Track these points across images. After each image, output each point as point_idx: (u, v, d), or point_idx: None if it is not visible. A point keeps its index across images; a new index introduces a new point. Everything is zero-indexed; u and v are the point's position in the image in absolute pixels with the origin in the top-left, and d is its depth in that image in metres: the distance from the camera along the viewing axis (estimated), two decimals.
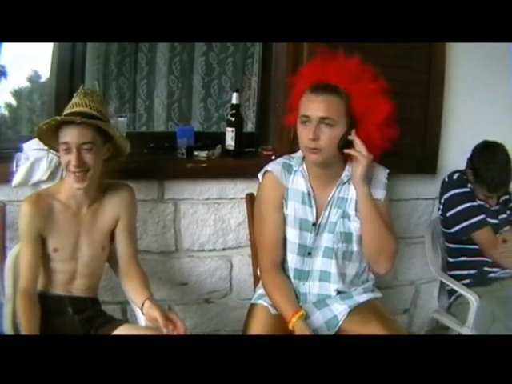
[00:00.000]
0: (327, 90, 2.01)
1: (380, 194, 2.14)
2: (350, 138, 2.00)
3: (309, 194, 2.13)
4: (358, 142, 2.00)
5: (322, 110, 1.98)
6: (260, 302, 2.20)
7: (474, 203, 2.74)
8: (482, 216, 2.72)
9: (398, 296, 3.15)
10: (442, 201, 2.85)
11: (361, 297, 2.22)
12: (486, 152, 2.73)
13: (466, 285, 2.72)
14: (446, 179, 2.86)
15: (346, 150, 2.02)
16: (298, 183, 2.15)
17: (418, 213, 3.04)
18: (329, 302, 2.18)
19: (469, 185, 2.77)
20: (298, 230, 2.14)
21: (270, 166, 2.19)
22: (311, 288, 2.19)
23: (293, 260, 2.17)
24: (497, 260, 2.72)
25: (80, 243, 2.09)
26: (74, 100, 2.00)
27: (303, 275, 2.19)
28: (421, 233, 2.98)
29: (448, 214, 2.80)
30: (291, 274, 2.19)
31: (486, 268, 2.74)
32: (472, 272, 2.76)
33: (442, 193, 2.86)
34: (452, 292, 2.82)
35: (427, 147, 2.95)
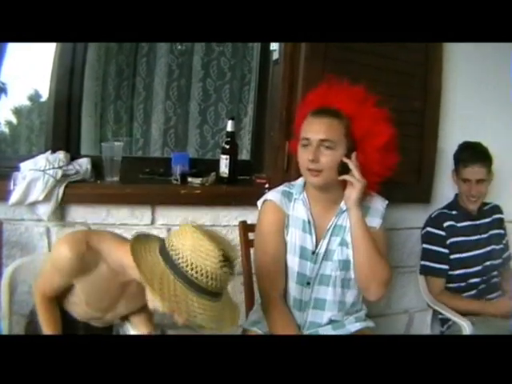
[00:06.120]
0: (327, 113, 2.02)
1: (376, 222, 2.14)
2: (344, 160, 2.00)
3: (309, 222, 2.13)
4: (352, 165, 1.99)
5: (322, 132, 1.99)
6: (254, 329, 2.20)
7: (439, 248, 2.77)
8: (439, 265, 2.77)
9: (391, 324, 3.13)
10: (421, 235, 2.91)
11: (353, 326, 2.21)
12: (465, 144, 2.83)
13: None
14: (428, 216, 2.89)
15: (340, 177, 2.02)
16: (299, 211, 2.15)
17: (411, 242, 3.04)
18: (321, 332, 2.17)
19: (446, 223, 2.78)
20: (297, 258, 2.13)
21: (269, 195, 2.19)
22: (306, 317, 2.18)
23: (292, 289, 2.16)
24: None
25: (116, 304, 1.91)
26: (221, 275, 1.56)
27: (302, 305, 2.17)
28: (414, 262, 2.98)
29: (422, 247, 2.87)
30: (291, 303, 2.17)
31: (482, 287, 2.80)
32: (472, 293, 2.79)
33: (421, 229, 2.90)
34: (445, 320, 2.81)
35: (422, 176, 2.97)
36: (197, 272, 1.54)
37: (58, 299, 1.90)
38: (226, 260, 1.56)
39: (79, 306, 1.90)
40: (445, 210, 2.85)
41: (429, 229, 2.83)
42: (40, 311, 1.87)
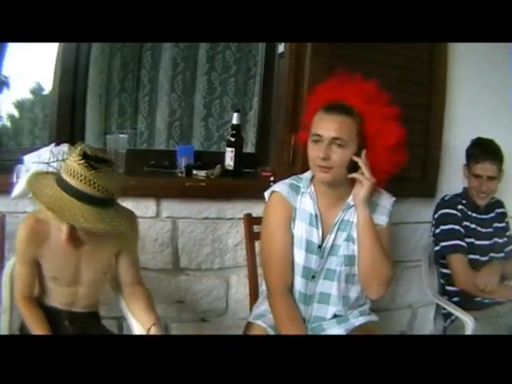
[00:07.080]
0: (340, 110, 2.00)
1: (382, 219, 2.13)
2: (354, 158, 1.99)
3: (316, 216, 2.12)
4: (362, 163, 1.98)
5: (334, 130, 1.97)
6: (258, 322, 2.18)
7: (457, 227, 2.75)
8: (460, 242, 2.72)
9: (395, 318, 3.14)
10: (433, 221, 2.88)
11: (357, 320, 2.20)
12: (478, 140, 2.84)
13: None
14: (439, 200, 2.90)
15: (350, 175, 2.01)
16: (306, 204, 2.14)
17: (416, 236, 3.04)
18: (325, 326, 2.17)
19: (459, 206, 2.79)
20: (303, 252, 2.12)
21: (276, 187, 2.18)
22: (311, 311, 2.18)
23: (297, 282, 2.15)
24: (465, 290, 2.71)
25: (81, 271, 1.98)
26: (84, 172, 1.70)
27: (307, 299, 2.16)
28: (419, 256, 2.97)
29: (435, 233, 2.84)
30: (296, 296, 2.16)
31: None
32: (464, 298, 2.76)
33: (434, 213, 2.89)
34: (447, 315, 2.81)
35: (427, 171, 2.98)
36: (67, 172, 1.72)
37: (38, 296, 2.01)
38: (86, 157, 1.71)
39: (54, 291, 1.99)
40: (455, 197, 2.86)
41: (444, 211, 2.82)
42: (24, 314, 1.93)
